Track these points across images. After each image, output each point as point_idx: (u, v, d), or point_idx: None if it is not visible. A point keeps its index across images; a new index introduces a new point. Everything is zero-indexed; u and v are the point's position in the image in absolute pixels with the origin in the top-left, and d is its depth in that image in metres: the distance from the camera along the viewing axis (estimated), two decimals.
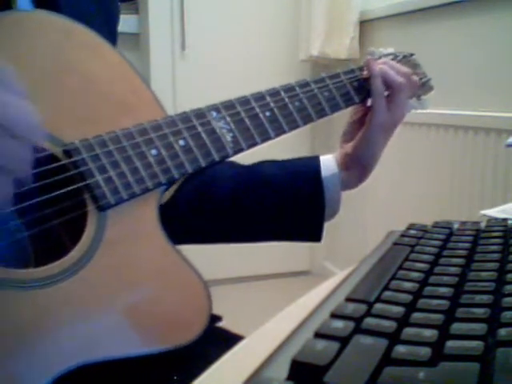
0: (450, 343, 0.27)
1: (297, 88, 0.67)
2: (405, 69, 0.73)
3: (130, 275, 0.51)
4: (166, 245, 0.53)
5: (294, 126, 0.65)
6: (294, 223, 0.73)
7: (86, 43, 0.55)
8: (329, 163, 0.71)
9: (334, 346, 0.27)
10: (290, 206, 0.72)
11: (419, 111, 0.79)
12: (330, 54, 2.18)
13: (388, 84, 0.70)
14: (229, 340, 0.52)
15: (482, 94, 1.60)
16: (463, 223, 0.51)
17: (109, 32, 0.63)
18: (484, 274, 0.36)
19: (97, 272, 0.48)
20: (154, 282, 0.52)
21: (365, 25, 2.13)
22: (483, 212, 0.65)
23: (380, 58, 0.76)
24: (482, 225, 0.50)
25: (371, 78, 0.70)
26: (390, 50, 0.79)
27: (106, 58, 0.56)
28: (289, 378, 0.25)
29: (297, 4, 2.37)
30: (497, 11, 1.53)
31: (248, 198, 0.72)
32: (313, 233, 0.72)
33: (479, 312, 0.31)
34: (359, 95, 0.71)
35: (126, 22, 2.31)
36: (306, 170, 0.71)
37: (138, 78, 0.57)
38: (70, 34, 0.54)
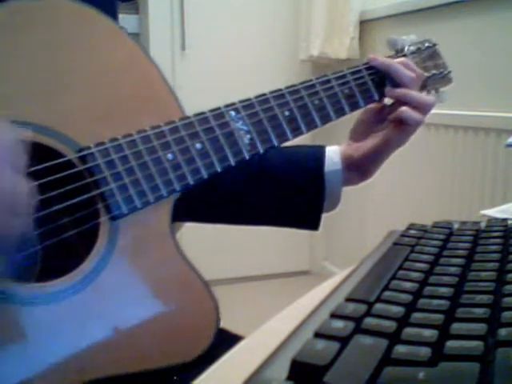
0: (449, 343, 0.27)
1: (317, 85, 0.64)
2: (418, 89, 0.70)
3: (140, 288, 0.50)
4: (177, 255, 0.52)
5: (312, 126, 0.63)
6: (292, 213, 0.73)
7: (106, 34, 0.52)
8: (333, 156, 0.71)
9: (334, 346, 0.27)
10: (290, 197, 0.72)
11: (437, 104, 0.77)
12: (330, 54, 2.18)
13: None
14: (229, 340, 0.52)
15: (481, 94, 1.60)
16: (463, 223, 0.51)
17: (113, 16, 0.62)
18: (484, 274, 0.36)
19: (107, 286, 0.47)
20: (165, 294, 0.51)
21: (365, 25, 2.12)
22: (483, 212, 0.65)
23: (403, 51, 0.72)
24: (482, 225, 0.50)
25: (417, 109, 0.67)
26: (412, 37, 0.75)
27: (125, 51, 0.53)
28: (289, 378, 0.25)
29: (297, 4, 2.37)
30: (497, 11, 1.53)
31: (251, 184, 0.71)
32: (310, 223, 0.73)
33: (479, 312, 0.30)
34: (379, 92, 0.68)
35: (126, 22, 2.31)
36: (310, 164, 0.71)
37: (154, 69, 0.55)
38: (85, 22, 0.50)
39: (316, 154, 0.71)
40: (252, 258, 2.50)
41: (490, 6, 1.55)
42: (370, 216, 2.14)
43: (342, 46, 2.12)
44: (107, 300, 0.47)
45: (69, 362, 0.44)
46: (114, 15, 0.64)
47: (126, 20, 2.31)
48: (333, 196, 0.71)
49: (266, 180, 0.71)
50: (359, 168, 0.71)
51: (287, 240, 2.47)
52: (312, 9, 2.25)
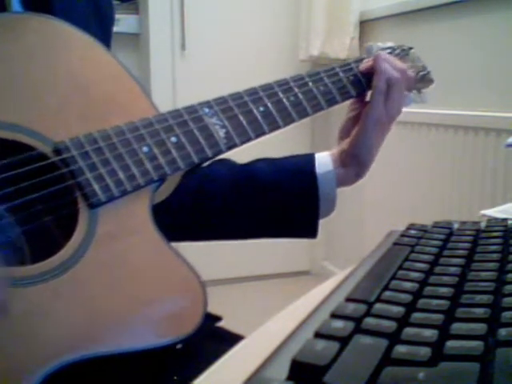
0: (449, 343, 0.27)
1: (291, 83, 0.66)
2: (400, 63, 0.72)
3: (122, 271, 0.50)
4: (159, 240, 0.53)
5: (289, 120, 0.64)
6: (288, 222, 0.73)
7: (77, 44, 0.55)
8: (324, 160, 0.71)
9: (334, 346, 0.27)
10: (284, 205, 0.71)
11: (420, 105, 0.78)
12: (330, 53, 2.18)
13: (386, 80, 0.70)
14: (229, 340, 0.52)
15: (481, 94, 1.60)
16: (463, 223, 0.51)
17: (103, 33, 0.63)
18: (484, 274, 0.36)
19: (88, 269, 0.48)
20: (147, 277, 0.52)
21: (365, 25, 2.13)
22: (483, 212, 0.65)
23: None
24: (482, 225, 0.50)
25: (376, 74, 0.69)
26: (389, 44, 0.78)
27: (98, 59, 0.56)
28: (289, 378, 0.25)
29: (297, 4, 2.37)
30: (497, 11, 1.53)
31: (243, 199, 0.71)
32: (308, 230, 0.72)
33: (479, 312, 0.31)
34: (356, 89, 0.70)
35: (125, 22, 2.31)
36: (301, 169, 0.71)
37: (130, 78, 0.57)
38: (59, 36, 0.54)
39: (306, 160, 0.72)
40: (252, 258, 2.50)
41: (490, 5, 1.55)
42: (369, 216, 2.14)
43: (342, 46, 2.12)
44: (85, 284, 0.48)
45: (46, 341, 0.45)
46: (107, 35, 0.66)
47: (126, 20, 2.31)
48: (328, 199, 0.70)
49: (257, 193, 0.71)
50: (354, 159, 0.71)
51: (287, 240, 2.46)
52: (312, 9, 2.25)
